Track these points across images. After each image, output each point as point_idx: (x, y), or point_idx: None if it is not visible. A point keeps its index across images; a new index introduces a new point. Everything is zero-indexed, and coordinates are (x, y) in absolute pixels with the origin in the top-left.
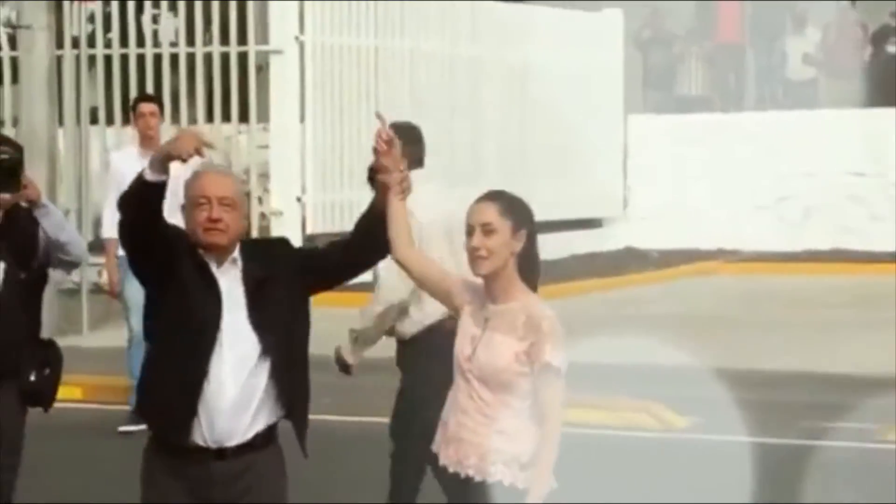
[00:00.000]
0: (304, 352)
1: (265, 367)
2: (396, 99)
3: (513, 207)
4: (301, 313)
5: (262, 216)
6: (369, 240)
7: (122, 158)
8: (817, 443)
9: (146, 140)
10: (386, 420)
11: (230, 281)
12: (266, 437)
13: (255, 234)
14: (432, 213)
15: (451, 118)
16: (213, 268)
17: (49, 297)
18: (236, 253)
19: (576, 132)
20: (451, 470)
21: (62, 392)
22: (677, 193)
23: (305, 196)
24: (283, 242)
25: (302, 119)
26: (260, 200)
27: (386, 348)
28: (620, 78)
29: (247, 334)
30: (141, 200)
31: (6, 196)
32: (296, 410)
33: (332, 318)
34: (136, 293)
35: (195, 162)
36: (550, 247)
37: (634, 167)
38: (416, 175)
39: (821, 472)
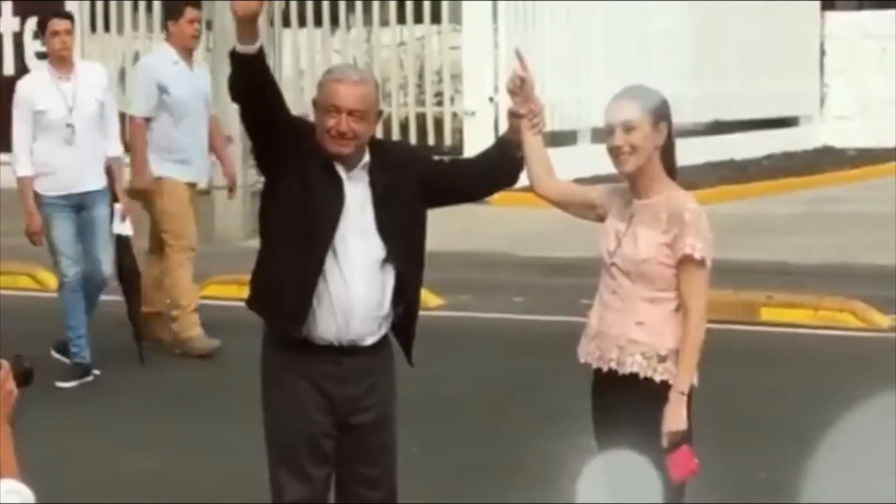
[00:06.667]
0: (422, 260)
1: (391, 270)
2: None
3: (650, 102)
4: (421, 224)
5: (454, 116)
6: (498, 169)
7: (31, 83)
8: None
9: (60, 61)
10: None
11: (358, 183)
12: (386, 337)
13: (447, 134)
14: None
15: (646, 16)
16: (341, 170)
17: None
18: (367, 157)
19: (772, 29)
20: (593, 366)
21: None
22: (874, 91)
23: (498, 96)
24: (413, 151)
25: (494, 19)
26: (452, 100)
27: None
28: None
29: (373, 237)
30: (243, 76)
31: None
32: (407, 317)
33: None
34: (63, 235)
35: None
36: (746, 146)
37: (831, 65)
38: None
39: None
